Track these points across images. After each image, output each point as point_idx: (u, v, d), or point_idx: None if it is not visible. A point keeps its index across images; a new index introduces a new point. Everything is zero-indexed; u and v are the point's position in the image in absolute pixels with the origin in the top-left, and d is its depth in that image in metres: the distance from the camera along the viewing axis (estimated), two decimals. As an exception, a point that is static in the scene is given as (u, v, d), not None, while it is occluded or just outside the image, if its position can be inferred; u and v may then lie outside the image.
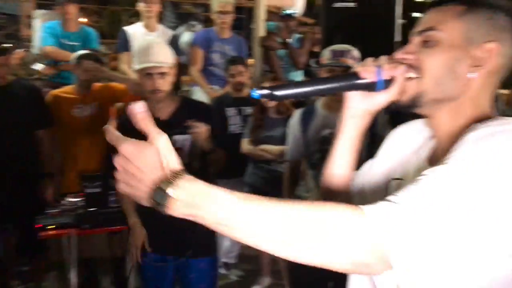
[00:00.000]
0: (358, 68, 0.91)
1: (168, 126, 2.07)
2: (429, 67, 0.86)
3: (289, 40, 4.31)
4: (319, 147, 2.33)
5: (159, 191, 0.68)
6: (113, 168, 0.72)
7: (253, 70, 4.19)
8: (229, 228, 0.68)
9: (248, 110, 3.59)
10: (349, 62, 2.23)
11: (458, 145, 0.76)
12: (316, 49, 4.73)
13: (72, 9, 3.80)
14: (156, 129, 0.71)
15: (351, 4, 2.67)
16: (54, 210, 2.71)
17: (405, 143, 1.03)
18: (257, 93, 0.87)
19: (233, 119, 3.47)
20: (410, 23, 2.68)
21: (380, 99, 0.92)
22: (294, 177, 2.52)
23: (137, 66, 2.18)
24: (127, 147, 0.70)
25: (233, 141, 3.18)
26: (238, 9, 4.51)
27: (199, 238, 2.08)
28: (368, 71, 0.89)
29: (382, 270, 0.70)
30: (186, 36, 4.39)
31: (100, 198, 2.62)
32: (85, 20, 4.81)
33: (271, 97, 0.88)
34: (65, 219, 2.60)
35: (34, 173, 3.12)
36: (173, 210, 0.68)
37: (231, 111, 3.47)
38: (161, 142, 0.70)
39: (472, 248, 0.74)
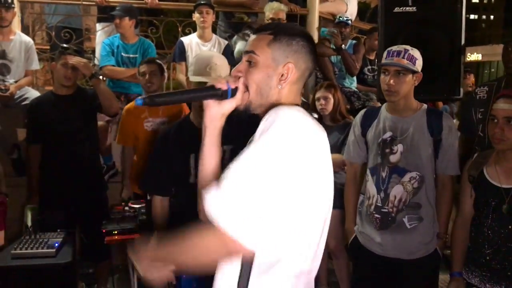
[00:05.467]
0: (213, 81, 1.24)
1: None
2: (252, 83, 1.23)
3: (343, 46, 4.27)
4: (380, 151, 2.28)
5: None
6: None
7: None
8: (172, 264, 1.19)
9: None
10: (404, 62, 2.17)
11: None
12: (371, 56, 4.66)
13: (124, 22, 3.94)
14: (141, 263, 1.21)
15: (412, 9, 2.59)
16: (117, 216, 2.81)
17: None
18: (139, 99, 1.17)
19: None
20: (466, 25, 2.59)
21: (230, 104, 1.25)
22: (356, 182, 2.43)
23: (194, 78, 2.07)
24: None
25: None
26: (291, 16, 4.52)
27: None
28: (220, 83, 1.22)
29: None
30: (240, 45, 4.44)
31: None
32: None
33: (151, 103, 1.18)
34: (128, 225, 2.69)
35: (98, 178, 3.28)
36: None
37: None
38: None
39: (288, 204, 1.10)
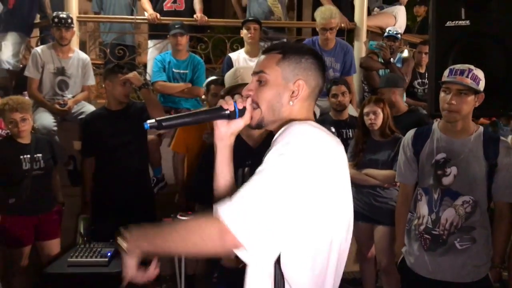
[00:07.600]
0: (221, 102, 1.29)
1: (258, 154, 2.10)
2: (263, 101, 1.28)
3: (391, 60, 4.20)
4: (433, 172, 2.21)
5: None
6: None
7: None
8: (157, 251, 1.22)
9: (348, 132, 3.54)
10: (468, 81, 2.10)
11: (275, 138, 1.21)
12: (421, 69, 4.56)
13: (183, 40, 4.07)
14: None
15: (465, 22, 2.51)
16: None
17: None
18: (147, 124, 1.20)
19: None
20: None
21: (238, 124, 1.32)
22: (408, 203, 2.36)
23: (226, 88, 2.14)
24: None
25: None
26: (339, 30, 4.49)
27: None
28: (228, 104, 1.28)
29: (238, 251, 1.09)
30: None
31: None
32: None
33: (159, 127, 1.21)
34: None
35: (147, 189, 3.37)
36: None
37: (330, 134, 3.44)
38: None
39: (302, 215, 1.10)
